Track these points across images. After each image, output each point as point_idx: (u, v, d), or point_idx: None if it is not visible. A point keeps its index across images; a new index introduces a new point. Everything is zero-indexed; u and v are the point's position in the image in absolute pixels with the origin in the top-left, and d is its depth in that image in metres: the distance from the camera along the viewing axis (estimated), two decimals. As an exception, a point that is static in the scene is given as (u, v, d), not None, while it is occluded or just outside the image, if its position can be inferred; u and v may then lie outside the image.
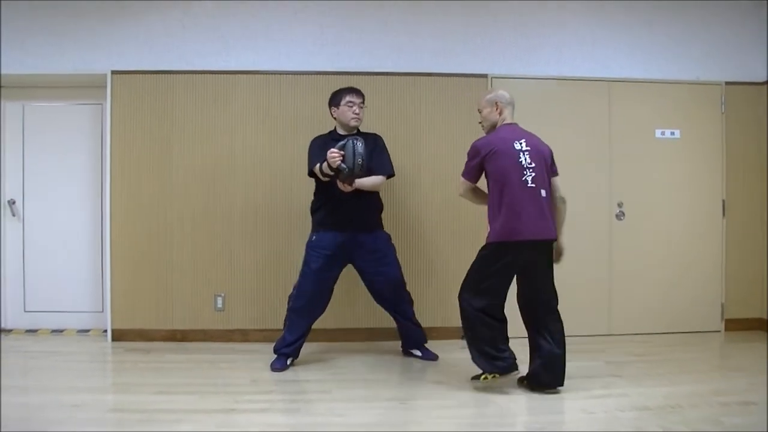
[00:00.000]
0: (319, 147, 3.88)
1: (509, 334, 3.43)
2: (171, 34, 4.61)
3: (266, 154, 4.61)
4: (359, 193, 3.80)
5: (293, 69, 4.64)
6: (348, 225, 3.86)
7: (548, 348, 3.32)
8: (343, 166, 3.58)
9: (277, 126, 4.62)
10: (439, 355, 4.11)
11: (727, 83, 4.90)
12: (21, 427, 2.87)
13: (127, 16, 4.59)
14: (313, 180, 3.97)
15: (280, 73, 4.63)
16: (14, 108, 4.83)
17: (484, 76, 4.69)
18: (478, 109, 3.57)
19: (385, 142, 4.08)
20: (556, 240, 3.41)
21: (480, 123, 3.58)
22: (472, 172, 3.43)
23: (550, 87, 4.77)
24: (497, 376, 3.36)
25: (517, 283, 3.43)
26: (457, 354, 4.02)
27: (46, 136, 4.83)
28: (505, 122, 3.46)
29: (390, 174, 3.96)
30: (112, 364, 4.14)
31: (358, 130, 4.04)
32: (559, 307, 3.41)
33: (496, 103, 3.47)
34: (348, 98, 3.94)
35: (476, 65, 4.72)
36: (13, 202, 4.83)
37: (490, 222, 3.36)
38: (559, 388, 3.35)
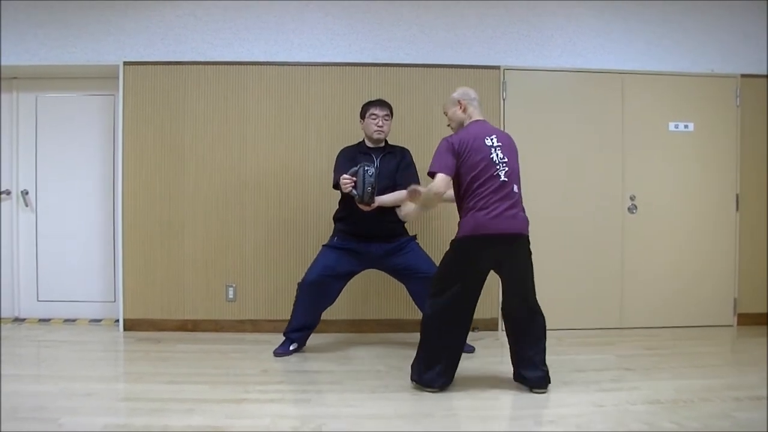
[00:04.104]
0: (344, 159, 3.91)
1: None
2: (183, 25, 4.61)
3: (278, 146, 4.61)
4: (382, 208, 3.81)
5: (305, 60, 4.63)
6: (370, 238, 3.88)
7: (528, 355, 3.28)
8: (354, 192, 3.67)
9: (288, 117, 4.61)
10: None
11: (743, 76, 4.85)
12: (34, 415, 2.89)
13: (140, 7, 4.61)
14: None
15: (292, 65, 4.62)
16: (27, 99, 4.86)
17: (497, 67, 4.67)
18: (444, 112, 3.55)
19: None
20: (527, 235, 3.30)
21: (448, 125, 3.54)
22: (449, 165, 3.26)
23: (563, 79, 4.74)
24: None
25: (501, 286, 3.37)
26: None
27: (59, 127, 4.86)
28: (472, 119, 3.42)
29: None
30: (124, 354, 4.17)
31: (386, 142, 4.04)
32: (539, 302, 3.33)
33: (459, 101, 3.44)
34: (371, 110, 3.96)
35: (489, 57, 4.70)
36: (27, 193, 4.87)
37: (460, 218, 3.31)
38: (545, 387, 3.29)
